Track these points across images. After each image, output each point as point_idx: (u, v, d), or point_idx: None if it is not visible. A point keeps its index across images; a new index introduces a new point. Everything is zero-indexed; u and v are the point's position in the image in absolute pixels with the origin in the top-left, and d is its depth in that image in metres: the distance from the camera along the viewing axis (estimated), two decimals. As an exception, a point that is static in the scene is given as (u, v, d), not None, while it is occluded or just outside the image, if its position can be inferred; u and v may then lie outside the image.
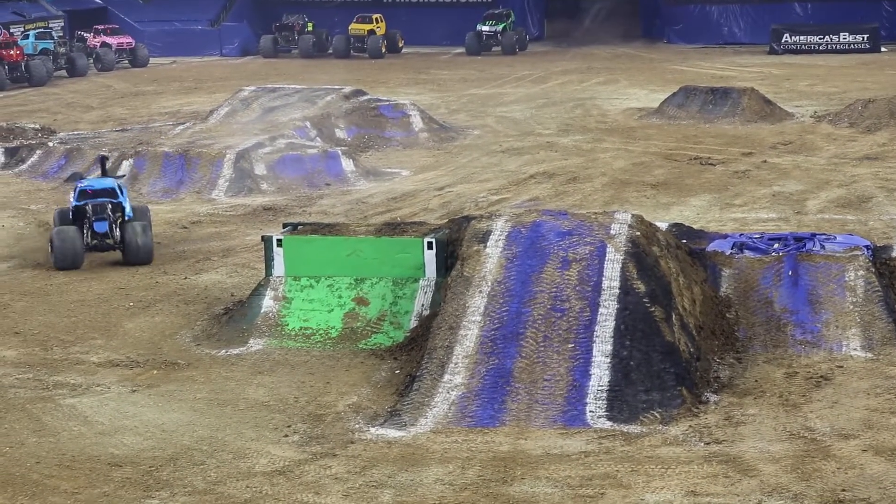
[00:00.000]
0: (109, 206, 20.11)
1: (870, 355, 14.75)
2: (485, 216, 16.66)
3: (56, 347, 16.19)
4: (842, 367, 14.48)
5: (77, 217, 20.23)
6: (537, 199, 24.63)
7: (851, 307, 15.35)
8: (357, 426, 13.25)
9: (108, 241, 20.09)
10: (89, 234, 20.05)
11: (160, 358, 15.60)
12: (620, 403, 13.34)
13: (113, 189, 20.47)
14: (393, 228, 17.62)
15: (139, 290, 18.78)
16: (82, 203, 20.19)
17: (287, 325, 16.17)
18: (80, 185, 20.83)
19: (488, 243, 15.50)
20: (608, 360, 13.84)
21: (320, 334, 16.03)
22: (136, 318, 17.40)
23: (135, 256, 19.87)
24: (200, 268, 20.10)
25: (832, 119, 33.03)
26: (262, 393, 14.33)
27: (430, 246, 16.34)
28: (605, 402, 13.36)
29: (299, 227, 18.00)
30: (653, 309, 14.38)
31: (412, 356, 14.96)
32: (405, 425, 13.13)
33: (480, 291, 14.86)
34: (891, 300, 15.42)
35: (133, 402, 14.15)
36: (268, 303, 16.41)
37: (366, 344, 15.80)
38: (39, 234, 22.64)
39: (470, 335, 14.33)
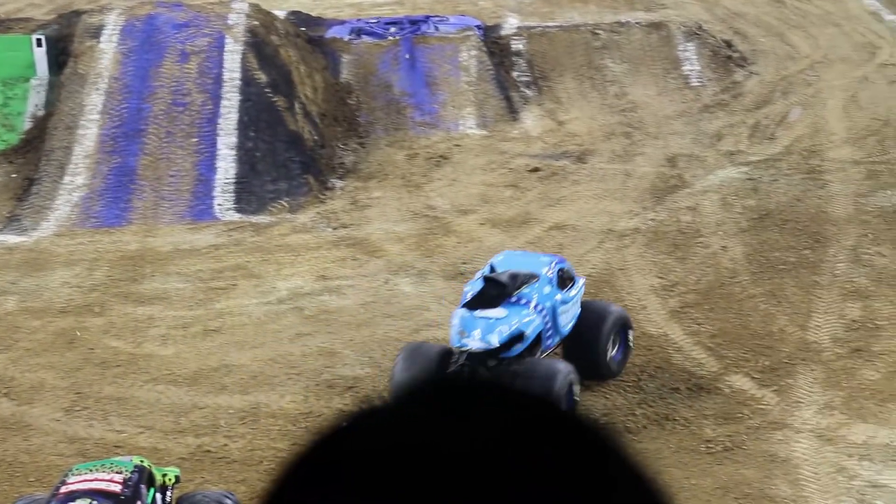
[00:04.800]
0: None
1: (484, 132, 15.37)
2: (96, 10, 15.97)
3: None
4: (459, 145, 15.03)
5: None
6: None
7: (466, 87, 15.87)
8: (-25, 235, 12.73)
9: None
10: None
11: None
12: (248, 195, 13.39)
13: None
14: (-3, 26, 16.65)
15: None
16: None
17: None
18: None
19: (102, 38, 14.94)
20: (233, 152, 13.80)
21: (-76, 142, 15.12)
22: None
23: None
24: None
25: None
26: None
27: (39, 43, 15.57)
28: (232, 194, 13.38)
29: None
30: (275, 99, 14.38)
31: (29, 159, 14.38)
32: (26, 230, 12.73)
33: (97, 89, 14.38)
34: (502, 77, 16.05)
35: None
36: None
37: (-23, 149, 15.05)
38: None
39: (89, 134, 13.90)
